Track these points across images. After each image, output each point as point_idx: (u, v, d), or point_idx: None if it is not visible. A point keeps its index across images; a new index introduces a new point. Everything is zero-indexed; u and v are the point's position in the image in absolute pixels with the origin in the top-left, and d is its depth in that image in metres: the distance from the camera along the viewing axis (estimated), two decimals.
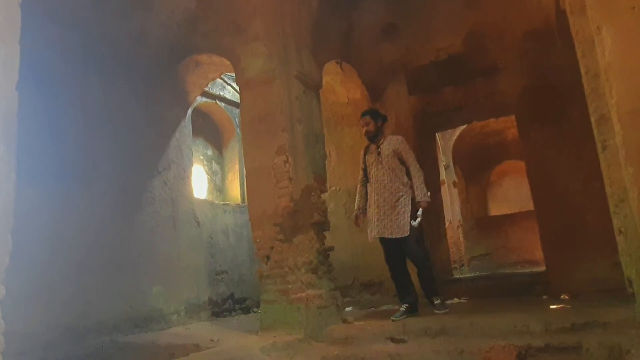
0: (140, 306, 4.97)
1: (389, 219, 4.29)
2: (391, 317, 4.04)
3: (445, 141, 9.98)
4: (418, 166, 4.44)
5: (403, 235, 4.22)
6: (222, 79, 7.19)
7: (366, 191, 4.60)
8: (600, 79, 2.52)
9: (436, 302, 4.27)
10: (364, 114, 4.60)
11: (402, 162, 4.42)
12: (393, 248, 4.33)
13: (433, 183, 6.58)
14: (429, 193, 4.36)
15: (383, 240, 4.36)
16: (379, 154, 4.48)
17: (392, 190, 4.36)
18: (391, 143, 4.49)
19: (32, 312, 3.86)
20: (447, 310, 4.20)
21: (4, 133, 1.57)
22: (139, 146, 5.31)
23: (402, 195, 4.32)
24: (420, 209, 4.25)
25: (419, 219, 4.21)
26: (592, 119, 2.76)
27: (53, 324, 4.08)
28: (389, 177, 4.40)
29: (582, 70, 2.85)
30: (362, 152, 4.70)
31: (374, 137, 4.52)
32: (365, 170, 4.64)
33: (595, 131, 2.74)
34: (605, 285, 4.17)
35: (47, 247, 4.14)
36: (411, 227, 4.20)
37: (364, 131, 4.55)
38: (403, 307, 4.18)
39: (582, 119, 3.39)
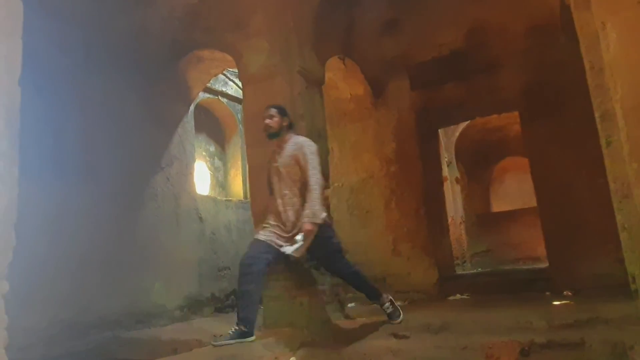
0: (143, 302, 4.97)
1: (286, 238, 3.62)
2: (212, 342, 3.34)
3: (448, 137, 9.95)
4: (318, 177, 3.61)
5: (293, 254, 3.51)
6: (224, 74, 7.18)
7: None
8: (604, 74, 2.51)
9: (388, 309, 3.72)
10: (270, 106, 3.92)
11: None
12: (266, 258, 3.55)
13: (435, 180, 6.58)
14: (323, 214, 3.59)
15: (270, 248, 3.59)
16: (276, 160, 3.83)
17: (294, 206, 3.65)
18: (291, 147, 3.77)
19: (34, 308, 3.87)
20: (401, 318, 3.71)
21: (7, 128, 1.56)
22: (141, 142, 5.31)
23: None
24: (302, 234, 3.42)
25: (297, 245, 3.39)
26: (596, 115, 2.74)
27: (55, 320, 4.09)
28: (292, 192, 3.69)
29: (587, 66, 2.84)
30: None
31: (274, 135, 3.84)
32: (270, 177, 3.91)
33: (599, 127, 2.72)
34: (608, 281, 4.17)
35: (49, 243, 4.15)
36: (319, 251, 3.52)
37: (264, 126, 3.84)
38: (234, 329, 3.37)
39: (586, 115, 3.38)
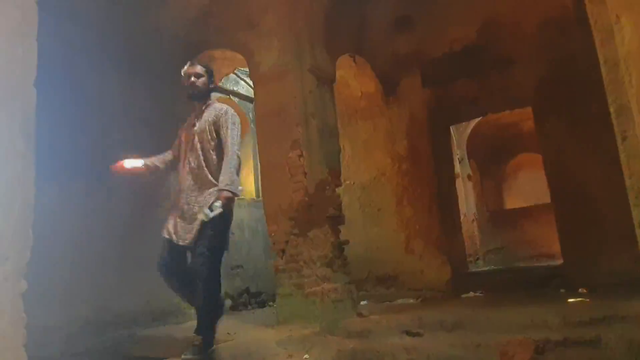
0: (158, 300, 5.01)
1: (185, 221, 3.21)
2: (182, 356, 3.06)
3: (460, 134, 9.89)
4: (235, 148, 3.18)
5: (186, 243, 3.18)
6: (235, 74, 7.21)
7: (171, 163, 3.56)
8: (619, 68, 2.47)
9: (195, 343, 3.10)
10: (196, 62, 3.48)
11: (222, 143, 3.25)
12: (176, 257, 3.28)
13: (448, 177, 6.54)
14: (240, 187, 3.20)
15: (169, 243, 3.27)
16: (194, 125, 3.36)
17: (201, 181, 3.21)
18: (212, 113, 3.32)
19: (52, 306, 3.92)
20: (197, 357, 3.03)
21: (23, 130, 1.59)
22: (154, 141, 5.30)
23: (212, 193, 3.16)
24: (219, 202, 3.04)
25: (213, 213, 3.00)
26: (611, 110, 2.70)
27: (73, 318, 4.15)
28: (198, 162, 3.25)
29: (601, 60, 2.79)
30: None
31: (198, 98, 3.41)
32: (180, 144, 3.48)
33: (614, 122, 2.68)
34: (624, 278, 4.12)
35: (67, 242, 4.20)
36: (204, 229, 3.06)
37: (189, 83, 3.37)
38: (196, 342, 3.10)
39: (601, 110, 3.33)
